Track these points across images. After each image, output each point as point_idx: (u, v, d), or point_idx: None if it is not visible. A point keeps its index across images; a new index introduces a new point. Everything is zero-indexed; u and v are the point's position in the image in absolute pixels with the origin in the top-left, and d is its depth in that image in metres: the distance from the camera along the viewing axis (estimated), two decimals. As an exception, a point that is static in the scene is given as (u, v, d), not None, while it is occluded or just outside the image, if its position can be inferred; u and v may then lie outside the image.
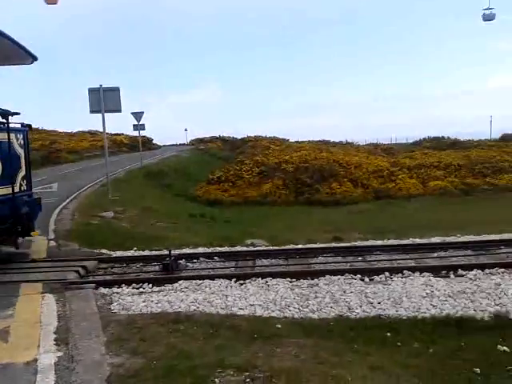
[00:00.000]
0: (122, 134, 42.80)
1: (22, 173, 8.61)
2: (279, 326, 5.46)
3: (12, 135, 8.21)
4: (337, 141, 43.55)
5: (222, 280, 7.14)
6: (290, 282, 7.09)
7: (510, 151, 28.70)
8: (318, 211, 19.97)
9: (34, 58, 8.93)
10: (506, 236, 9.72)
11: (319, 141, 42.19)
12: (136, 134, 27.67)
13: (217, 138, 41.54)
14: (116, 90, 14.99)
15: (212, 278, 7.28)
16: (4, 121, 8.07)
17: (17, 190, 8.18)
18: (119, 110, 15.18)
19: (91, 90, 14.81)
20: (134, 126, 24.60)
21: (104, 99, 14.63)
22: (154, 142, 46.62)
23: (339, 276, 7.19)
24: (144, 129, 26.12)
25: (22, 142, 8.70)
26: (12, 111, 8.19)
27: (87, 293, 6.48)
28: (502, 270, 7.08)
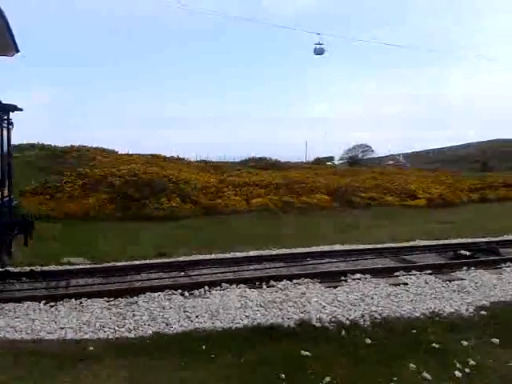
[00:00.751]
0: None
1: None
2: (92, 348, 5.21)
3: (8, 133, 7.33)
4: (168, 155, 43.55)
5: (29, 303, 6.53)
6: (108, 301, 6.83)
7: (322, 173, 32.18)
8: (146, 227, 19.59)
9: (17, 50, 7.90)
10: (313, 249, 10.83)
11: (150, 154, 41.61)
12: None
13: (34, 145, 37.92)
14: None
15: (17, 300, 6.60)
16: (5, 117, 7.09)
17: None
18: None
19: None
20: None
21: None
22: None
23: (160, 292, 7.16)
24: None
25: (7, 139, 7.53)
26: (14, 106, 7.16)
27: None
28: (308, 279, 7.83)
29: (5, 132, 7.27)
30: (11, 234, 7.07)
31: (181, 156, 42.77)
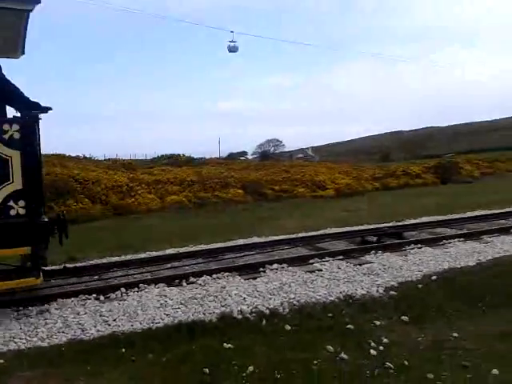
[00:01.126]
0: None
1: None
2: (2, 360, 4.87)
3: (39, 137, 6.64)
4: (73, 155, 41.33)
5: None
6: (16, 311, 6.40)
7: (236, 168, 32.42)
8: (53, 231, 18.55)
9: (23, 52, 7.16)
10: (231, 243, 10.90)
11: (52, 154, 39.25)
12: None
13: None
14: None
15: None
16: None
17: None
18: None
19: None
20: None
21: None
22: None
23: (73, 298, 6.84)
24: None
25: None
26: (47, 107, 6.50)
27: None
28: (227, 273, 7.88)
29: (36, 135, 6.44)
30: (52, 233, 6.70)
31: (87, 155, 40.84)
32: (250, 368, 4.68)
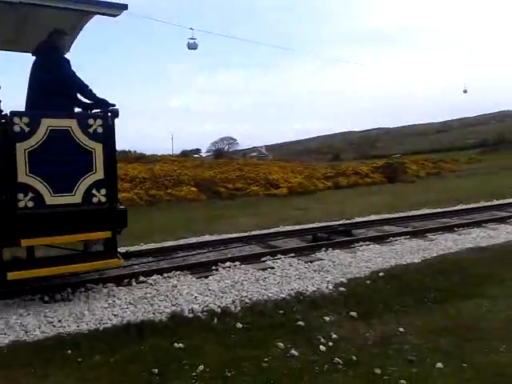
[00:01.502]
0: None
1: None
2: None
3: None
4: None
5: None
6: (-49, 313, 6.04)
7: (189, 166, 32.09)
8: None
9: (69, 50, 7.67)
10: (183, 241, 10.78)
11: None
12: None
13: None
14: None
15: None
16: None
17: None
18: None
19: None
20: None
21: None
22: None
23: (16, 298, 6.54)
24: None
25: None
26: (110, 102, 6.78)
27: None
28: (179, 272, 7.77)
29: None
30: None
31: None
32: (201, 367, 4.64)
